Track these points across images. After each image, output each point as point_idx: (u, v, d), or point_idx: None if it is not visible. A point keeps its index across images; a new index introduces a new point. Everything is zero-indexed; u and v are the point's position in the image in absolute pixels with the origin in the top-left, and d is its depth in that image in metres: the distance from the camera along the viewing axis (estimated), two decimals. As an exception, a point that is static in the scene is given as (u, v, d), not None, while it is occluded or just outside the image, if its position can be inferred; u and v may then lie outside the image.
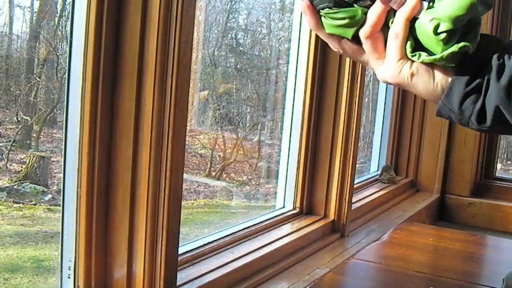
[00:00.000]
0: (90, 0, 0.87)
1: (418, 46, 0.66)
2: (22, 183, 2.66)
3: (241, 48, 4.07)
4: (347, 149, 1.53)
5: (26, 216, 2.46)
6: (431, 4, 0.64)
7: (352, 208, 1.61)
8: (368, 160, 2.45)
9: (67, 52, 0.91)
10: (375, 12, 0.67)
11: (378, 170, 2.22)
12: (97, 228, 0.93)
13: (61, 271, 0.94)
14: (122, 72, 0.91)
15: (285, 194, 1.55)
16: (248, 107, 4.25)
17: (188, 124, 0.99)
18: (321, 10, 0.69)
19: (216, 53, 3.90)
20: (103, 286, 0.95)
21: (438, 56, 0.64)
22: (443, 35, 0.63)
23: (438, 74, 0.67)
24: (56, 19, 2.89)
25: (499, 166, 2.89)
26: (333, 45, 0.73)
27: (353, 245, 1.51)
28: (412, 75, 0.67)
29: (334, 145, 1.53)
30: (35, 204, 2.56)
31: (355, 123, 1.53)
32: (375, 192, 1.96)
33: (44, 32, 2.85)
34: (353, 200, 1.65)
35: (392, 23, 0.67)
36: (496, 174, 2.45)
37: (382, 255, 1.40)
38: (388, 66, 0.69)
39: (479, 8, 0.62)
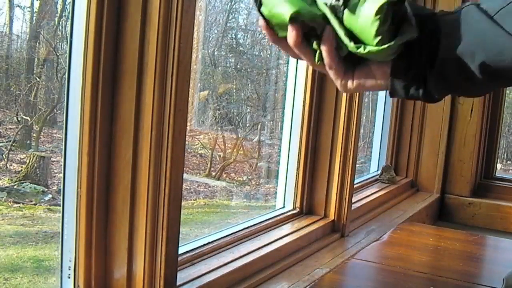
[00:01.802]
0: (90, 0, 0.87)
1: (351, 37, 0.66)
2: (22, 183, 2.66)
3: (241, 48, 4.07)
4: (347, 149, 1.53)
5: (26, 216, 2.46)
6: None
7: (352, 208, 1.61)
8: (368, 160, 2.45)
9: (67, 52, 0.91)
10: (290, 44, 0.69)
11: (378, 170, 2.22)
12: (97, 228, 0.93)
13: (61, 271, 0.94)
14: (122, 72, 0.91)
15: (285, 194, 1.55)
16: (248, 107, 4.25)
17: (188, 124, 0.99)
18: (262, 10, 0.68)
19: (216, 53, 3.90)
20: (103, 286, 0.95)
21: (385, 46, 0.64)
22: (378, 14, 0.62)
23: (377, 74, 0.71)
24: (56, 19, 2.89)
25: (499, 166, 2.89)
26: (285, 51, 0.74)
27: (353, 245, 1.51)
28: (358, 85, 0.73)
29: (334, 145, 1.53)
30: (35, 204, 2.56)
31: (355, 123, 1.53)
32: (375, 192, 1.96)
33: (44, 32, 2.85)
34: (353, 200, 1.65)
35: (316, 43, 0.68)
36: (496, 174, 2.45)
37: (382, 255, 1.40)
38: (335, 84, 0.74)
39: None
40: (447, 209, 2.28)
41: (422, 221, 2.04)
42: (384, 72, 0.70)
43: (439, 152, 2.24)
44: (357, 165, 1.62)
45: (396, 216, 1.87)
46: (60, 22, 2.82)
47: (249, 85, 4.13)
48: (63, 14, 2.83)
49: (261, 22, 0.70)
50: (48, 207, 2.58)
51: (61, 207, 0.94)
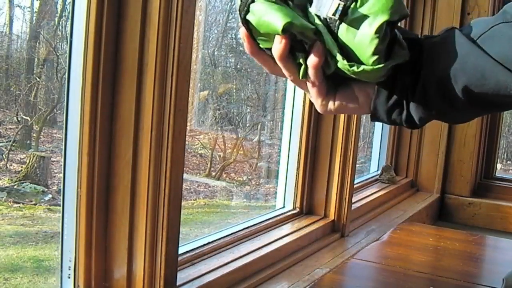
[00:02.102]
0: (90, 0, 0.87)
1: (344, 54, 0.63)
2: (22, 183, 2.66)
3: (241, 48, 4.07)
4: (347, 149, 1.53)
5: (26, 216, 2.46)
6: (352, 6, 0.61)
7: (352, 208, 1.61)
8: (368, 160, 2.45)
9: (67, 52, 0.91)
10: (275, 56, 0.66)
11: (378, 170, 2.22)
12: (97, 228, 0.93)
13: (61, 271, 0.94)
14: (122, 72, 0.91)
15: (285, 194, 1.55)
16: (248, 107, 4.25)
17: (188, 124, 0.99)
18: (247, 18, 0.64)
19: (216, 53, 3.90)
20: (103, 286, 0.95)
21: (380, 66, 0.61)
22: (378, 33, 0.60)
23: (360, 97, 0.69)
24: (56, 19, 2.89)
25: (499, 166, 2.89)
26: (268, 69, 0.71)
27: (353, 245, 1.51)
28: (339, 107, 0.70)
29: (334, 145, 1.53)
30: (35, 204, 2.56)
31: (355, 123, 1.53)
32: (375, 192, 1.96)
33: (44, 32, 2.85)
34: (353, 200, 1.65)
35: (302, 58, 0.65)
36: (496, 174, 2.45)
37: (382, 255, 1.40)
38: (315, 103, 0.71)
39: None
40: (447, 209, 2.28)
41: (422, 221, 2.04)
42: (367, 94, 0.69)
43: (439, 152, 2.24)
44: (357, 165, 1.62)
45: (396, 216, 1.88)
46: (60, 22, 2.82)
47: (249, 85, 4.13)
48: (63, 14, 2.83)
49: (243, 30, 0.66)
50: (48, 207, 2.58)
51: (61, 207, 0.94)
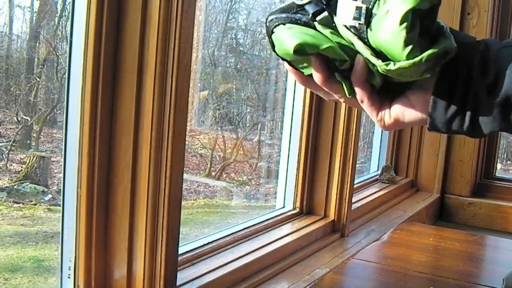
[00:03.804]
0: (90, 0, 0.87)
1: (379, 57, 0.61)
2: (22, 183, 2.66)
3: (241, 48, 4.07)
4: (347, 149, 1.53)
5: (26, 216, 2.46)
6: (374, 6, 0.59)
7: (352, 208, 1.61)
8: (368, 160, 2.45)
9: (67, 52, 0.91)
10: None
11: (378, 170, 2.22)
12: (97, 228, 0.93)
13: (61, 271, 0.94)
14: (122, 72, 0.91)
15: (285, 194, 1.55)
16: (248, 107, 4.25)
17: (188, 124, 0.99)
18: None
19: (216, 53, 3.90)
20: (103, 286, 0.95)
21: (417, 58, 0.58)
22: (405, 24, 0.57)
23: (417, 105, 0.65)
24: (56, 19, 2.89)
25: (499, 166, 2.89)
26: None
27: (353, 245, 1.51)
28: (396, 120, 0.66)
29: (334, 145, 1.53)
30: (35, 204, 2.56)
31: (355, 123, 1.53)
32: (375, 192, 1.96)
33: (44, 32, 2.85)
34: (353, 200, 1.65)
35: (339, 76, 0.63)
36: (496, 174, 2.45)
37: (382, 255, 1.40)
38: (372, 119, 0.68)
39: None
40: (447, 209, 2.28)
41: (422, 221, 2.04)
42: (425, 102, 0.64)
43: (439, 152, 2.24)
44: (357, 165, 1.62)
45: (396, 216, 1.87)
46: (60, 22, 2.82)
47: (249, 85, 4.13)
48: (63, 14, 2.83)
49: (285, 64, 0.65)
50: (48, 207, 2.58)
51: (61, 207, 0.94)
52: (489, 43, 0.62)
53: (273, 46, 0.64)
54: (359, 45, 0.60)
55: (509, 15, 2.34)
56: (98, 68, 0.89)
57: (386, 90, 0.65)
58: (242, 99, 4.12)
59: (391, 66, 0.59)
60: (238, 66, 4.11)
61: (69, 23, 0.90)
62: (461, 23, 2.17)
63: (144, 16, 0.88)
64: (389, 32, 0.58)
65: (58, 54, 2.81)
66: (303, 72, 0.65)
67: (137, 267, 0.93)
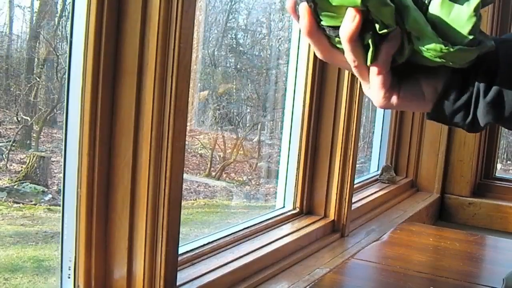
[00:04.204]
0: (90, 0, 0.87)
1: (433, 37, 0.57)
2: (22, 183, 2.66)
3: (241, 48, 4.07)
4: (347, 149, 1.53)
5: (26, 216, 2.46)
6: None
7: (352, 208, 1.61)
8: (368, 160, 2.45)
9: (67, 52, 0.91)
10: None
11: (378, 170, 2.22)
12: (97, 228, 0.93)
13: (61, 271, 0.94)
14: (122, 72, 0.91)
15: (285, 194, 1.55)
16: (248, 107, 4.25)
17: (188, 124, 0.99)
18: None
19: (216, 53, 3.90)
20: (103, 286, 0.95)
21: (475, 48, 0.56)
22: (476, 11, 0.55)
23: (427, 92, 0.64)
24: (56, 19, 2.89)
25: (499, 166, 2.89)
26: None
27: (353, 245, 1.51)
28: (403, 101, 0.64)
29: (334, 145, 1.53)
30: (35, 204, 2.56)
31: (355, 123, 1.53)
32: (375, 192, 1.96)
33: (44, 32, 2.85)
34: (353, 200, 1.65)
35: (371, 40, 0.58)
36: (496, 174, 2.45)
37: (382, 255, 1.40)
38: (375, 96, 0.64)
39: None
40: (447, 209, 2.28)
41: (422, 221, 2.04)
42: (435, 90, 0.63)
43: (439, 152, 2.24)
44: (357, 165, 1.62)
45: (396, 216, 1.87)
46: (60, 22, 2.82)
47: (249, 85, 4.13)
48: (63, 14, 2.83)
49: (305, 5, 0.58)
50: (48, 207, 2.58)
51: (61, 207, 0.94)
52: (500, 40, 0.63)
53: None
54: (415, 15, 0.57)
55: (509, 15, 2.34)
56: (98, 68, 0.89)
57: (398, 70, 0.63)
58: (242, 99, 4.12)
59: (450, 48, 0.57)
60: (238, 66, 4.11)
61: (69, 23, 0.90)
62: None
63: (144, 16, 0.88)
64: (459, 15, 0.56)
65: (58, 54, 2.81)
66: (321, 20, 0.59)
67: (137, 267, 0.93)
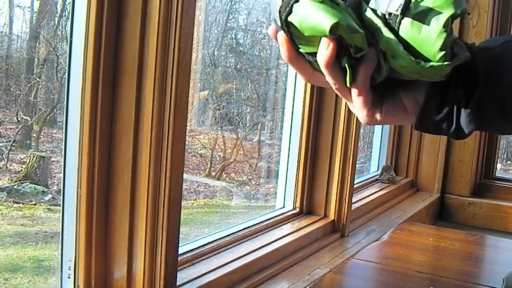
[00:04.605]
0: (90, 0, 0.87)
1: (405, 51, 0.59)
2: (22, 183, 2.66)
3: (241, 48, 4.07)
4: (347, 149, 1.53)
5: (26, 216, 2.46)
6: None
7: (352, 208, 1.61)
8: (368, 160, 2.45)
9: (67, 52, 0.91)
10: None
11: (378, 170, 2.22)
12: (97, 228, 0.93)
13: (61, 271, 0.94)
14: (122, 72, 0.91)
15: (285, 194, 1.55)
16: (248, 107, 4.25)
17: (188, 124, 0.99)
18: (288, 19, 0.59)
19: (216, 53, 3.90)
20: (103, 286, 0.95)
21: (448, 62, 0.58)
22: (446, 27, 0.56)
23: (408, 105, 0.66)
24: (56, 19, 2.89)
25: (499, 166, 2.89)
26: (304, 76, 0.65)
27: (353, 245, 1.51)
28: (386, 117, 0.66)
29: (334, 145, 1.53)
30: (35, 204, 2.56)
31: (355, 123, 1.53)
32: (375, 192, 1.96)
33: (44, 32, 2.85)
34: (353, 200, 1.65)
35: (347, 63, 0.60)
36: (496, 174, 2.46)
37: (382, 255, 1.40)
38: (359, 115, 0.66)
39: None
40: (447, 209, 2.28)
41: (422, 221, 2.04)
42: (416, 103, 0.65)
43: (439, 152, 2.24)
44: (357, 165, 1.62)
45: (396, 216, 1.88)
46: (60, 22, 2.82)
47: (249, 85, 4.13)
48: (63, 14, 2.83)
49: (282, 34, 0.60)
50: (48, 207, 2.58)
51: (61, 207, 0.94)
52: (478, 48, 0.64)
53: (288, 13, 0.59)
54: (387, 36, 0.58)
55: (509, 15, 2.34)
56: (98, 68, 0.89)
57: (378, 87, 0.65)
58: (242, 99, 4.12)
59: (423, 64, 0.58)
60: (238, 66, 4.11)
61: (69, 23, 0.91)
62: (461, 23, 2.17)
63: (144, 16, 0.88)
64: (428, 32, 0.57)
65: (58, 54, 2.81)
66: (299, 48, 0.62)
67: (137, 267, 0.93)
